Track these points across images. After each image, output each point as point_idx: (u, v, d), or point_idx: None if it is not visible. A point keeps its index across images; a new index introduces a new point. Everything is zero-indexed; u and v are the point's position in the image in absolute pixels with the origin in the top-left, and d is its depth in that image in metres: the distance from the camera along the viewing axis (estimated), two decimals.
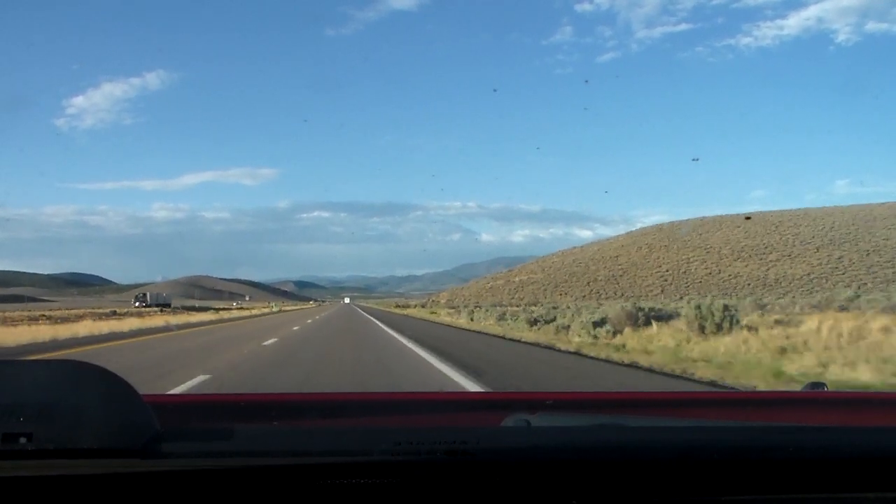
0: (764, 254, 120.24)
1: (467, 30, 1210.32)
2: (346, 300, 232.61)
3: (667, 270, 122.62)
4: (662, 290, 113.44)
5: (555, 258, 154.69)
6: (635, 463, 1.12)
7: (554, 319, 24.23)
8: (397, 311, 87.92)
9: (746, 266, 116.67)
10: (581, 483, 1.11)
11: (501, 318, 33.15)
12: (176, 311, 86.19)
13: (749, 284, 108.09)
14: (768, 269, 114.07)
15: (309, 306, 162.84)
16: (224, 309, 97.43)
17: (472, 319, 39.16)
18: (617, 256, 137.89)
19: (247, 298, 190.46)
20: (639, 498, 1.12)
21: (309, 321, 37.11)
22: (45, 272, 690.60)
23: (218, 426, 1.24)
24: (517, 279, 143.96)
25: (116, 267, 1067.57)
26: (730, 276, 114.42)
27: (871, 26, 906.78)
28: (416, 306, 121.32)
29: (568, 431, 1.30)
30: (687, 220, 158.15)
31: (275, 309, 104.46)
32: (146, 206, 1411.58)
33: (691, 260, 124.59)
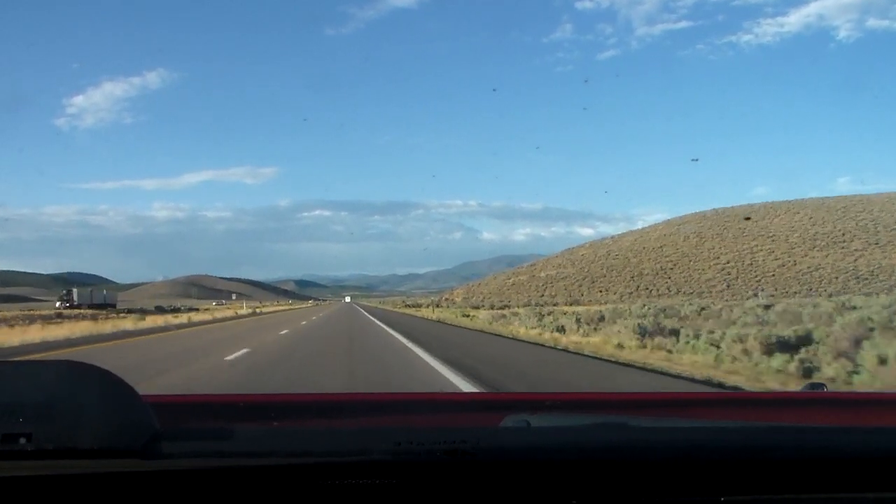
0: (844, 242, 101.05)
1: (467, 28, 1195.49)
2: (347, 299, 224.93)
3: (728, 262, 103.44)
4: (728, 286, 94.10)
5: (583, 251, 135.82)
6: (635, 463, 1.11)
7: (810, 342, 12.09)
8: (411, 312, 67.05)
9: (826, 256, 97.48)
10: (581, 483, 1.10)
11: (645, 333, 17.40)
12: (100, 312, 62.78)
13: (837, 278, 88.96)
14: (856, 260, 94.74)
15: (304, 306, 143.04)
16: (191, 310, 77.94)
17: (560, 332, 22.37)
18: (661, 247, 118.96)
19: (233, 298, 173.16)
20: (639, 498, 1.12)
21: (249, 346, 17.75)
22: (46, 272, 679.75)
23: (218, 426, 1.23)
24: (543, 274, 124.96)
25: (118, 266, 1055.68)
26: (808, 267, 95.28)
27: (872, 23, 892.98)
28: (428, 306, 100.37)
29: (568, 431, 1.28)
30: (732, 207, 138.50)
31: (242, 311, 73.22)
32: (147, 206, 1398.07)
33: (756, 250, 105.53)
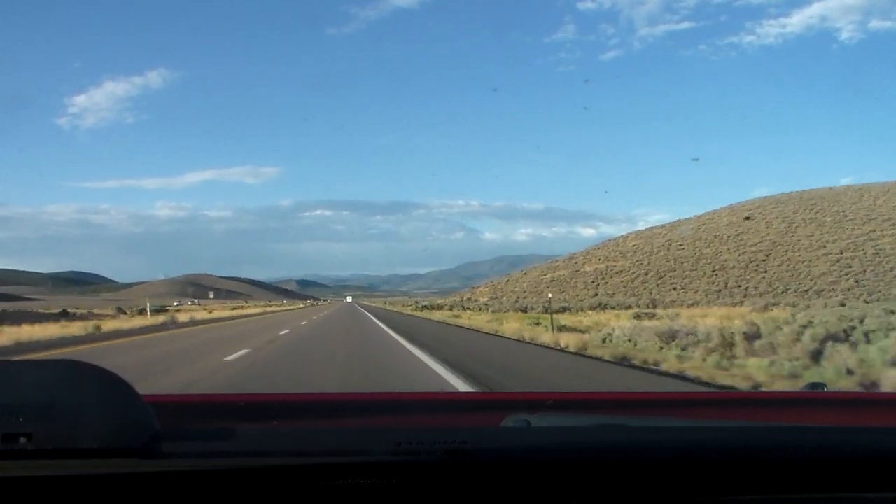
0: None
1: (469, 28, 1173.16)
2: (349, 299, 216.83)
3: (841, 252, 79.49)
4: (857, 282, 69.54)
5: (632, 241, 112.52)
6: (635, 463, 1.10)
7: None
8: (451, 320, 39.92)
9: None
10: (581, 483, 1.10)
11: None
12: None
13: None
14: None
15: (295, 308, 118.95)
16: (161, 311, 54.94)
17: None
18: (737, 235, 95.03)
19: (211, 296, 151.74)
20: (639, 498, 1.11)
21: None
22: (47, 271, 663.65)
23: (218, 426, 1.23)
24: (589, 268, 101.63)
25: (119, 265, 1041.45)
26: None
27: (875, 24, 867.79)
28: (451, 308, 76.15)
29: (568, 432, 1.27)
30: (815, 189, 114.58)
31: (167, 316, 42.26)
32: (149, 205, 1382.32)
33: (876, 237, 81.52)
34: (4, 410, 0.94)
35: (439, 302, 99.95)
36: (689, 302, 65.91)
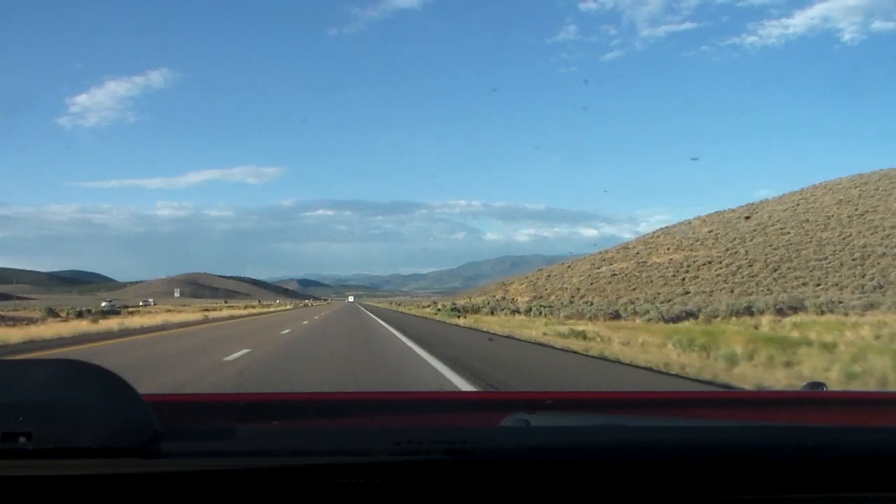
0: None
1: (471, 29, 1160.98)
2: (351, 299, 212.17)
3: None
4: None
5: (703, 227, 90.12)
6: (635, 463, 1.10)
7: None
8: (603, 348, 15.38)
9: None
10: (581, 483, 1.10)
11: None
12: None
13: None
14: None
15: (282, 309, 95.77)
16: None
17: None
18: (861, 214, 72.04)
19: (176, 294, 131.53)
20: (639, 498, 1.11)
21: None
22: (46, 270, 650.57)
23: (218, 426, 1.24)
24: (660, 260, 78.35)
25: (119, 265, 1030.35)
26: None
27: (877, 25, 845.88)
28: (492, 311, 51.30)
29: (567, 431, 1.27)
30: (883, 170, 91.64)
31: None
32: (150, 205, 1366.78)
33: None
34: (4, 410, 0.93)
35: (464, 300, 77.16)
36: (863, 303, 42.53)
